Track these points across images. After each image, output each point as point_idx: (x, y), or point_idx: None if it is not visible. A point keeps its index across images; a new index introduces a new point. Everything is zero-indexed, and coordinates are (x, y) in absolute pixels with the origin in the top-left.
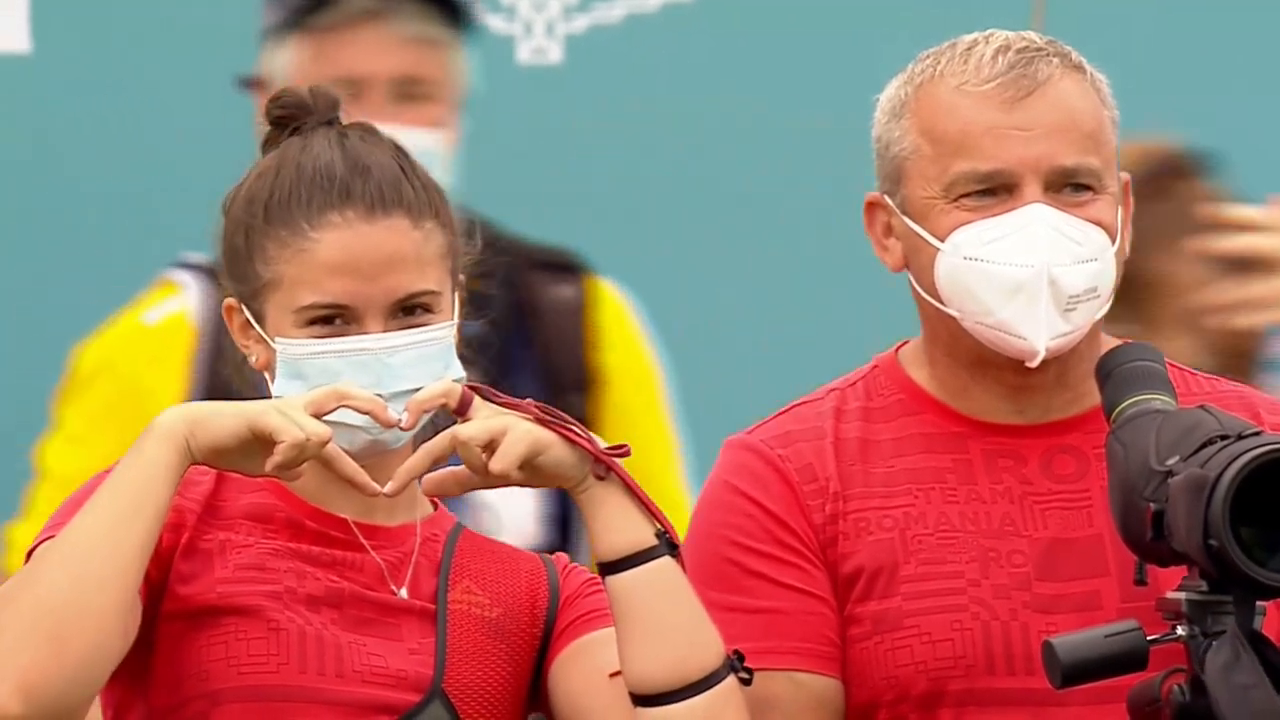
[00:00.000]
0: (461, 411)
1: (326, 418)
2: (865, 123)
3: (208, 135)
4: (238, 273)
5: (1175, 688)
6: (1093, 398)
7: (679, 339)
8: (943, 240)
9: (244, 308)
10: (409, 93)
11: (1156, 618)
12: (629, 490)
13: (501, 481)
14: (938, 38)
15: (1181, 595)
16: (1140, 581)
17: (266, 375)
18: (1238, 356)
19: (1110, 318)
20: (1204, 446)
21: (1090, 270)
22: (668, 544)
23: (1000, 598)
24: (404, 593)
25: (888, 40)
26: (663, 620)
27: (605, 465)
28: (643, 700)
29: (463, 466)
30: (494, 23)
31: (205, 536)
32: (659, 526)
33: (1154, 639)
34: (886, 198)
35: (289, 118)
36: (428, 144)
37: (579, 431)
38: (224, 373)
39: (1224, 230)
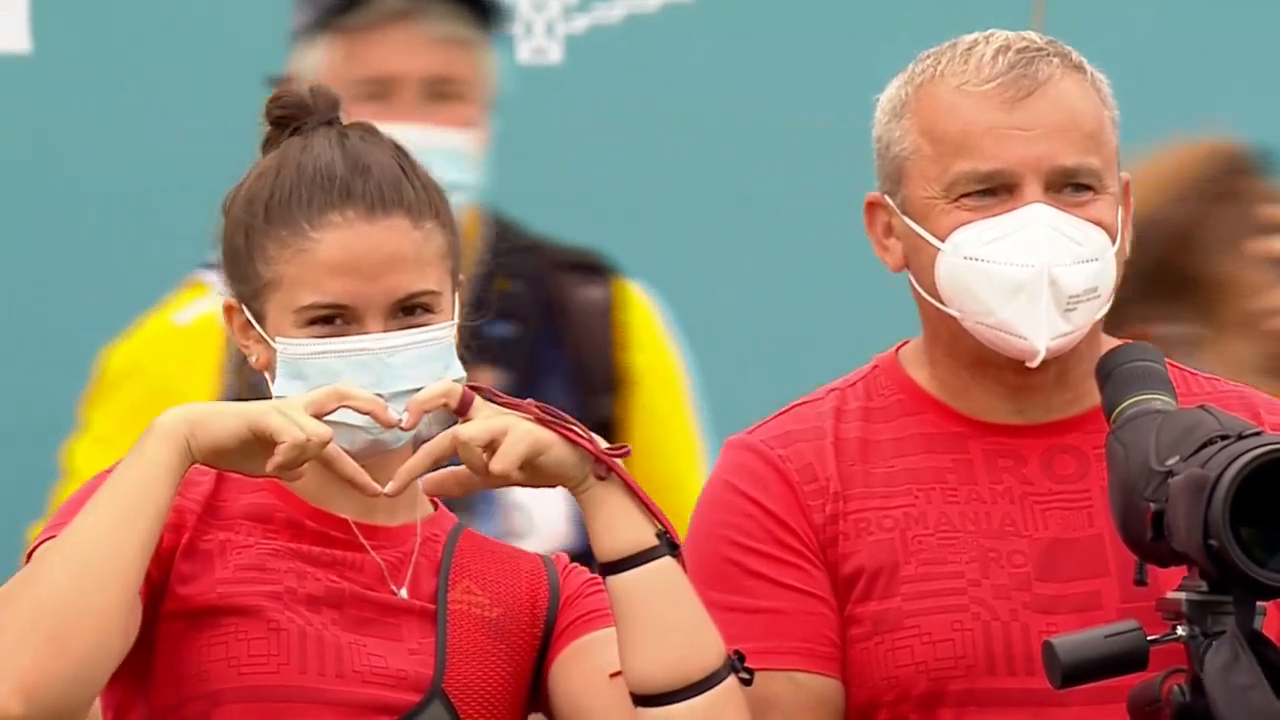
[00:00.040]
0: (462, 412)
1: (327, 418)
2: (865, 123)
3: (208, 135)
4: (238, 273)
5: (1175, 688)
6: (1093, 398)
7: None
8: (943, 240)
9: (244, 308)
10: (439, 92)
11: (1156, 618)
12: (630, 490)
13: (502, 482)
14: (938, 38)
15: (1181, 595)
16: (1140, 581)
17: (266, 375)
18: None
19: (1172, 318)
20: (1204, 446)
21: (1090, 270)
22: (668, 544)
23: (1000, 598)
24: (404, 593)
25: (888, 40)
26: (663, 620)
27: (606, 465)
28: (643, 700)
29: (463, 466)
30: None
31: (205, 537)
32: (659, 526)
33: (1154, 639)
34: (887, 198)
35: (289, 118)
36: (458, 144)
37: (579, 432)
38: (253, 374)
39: None
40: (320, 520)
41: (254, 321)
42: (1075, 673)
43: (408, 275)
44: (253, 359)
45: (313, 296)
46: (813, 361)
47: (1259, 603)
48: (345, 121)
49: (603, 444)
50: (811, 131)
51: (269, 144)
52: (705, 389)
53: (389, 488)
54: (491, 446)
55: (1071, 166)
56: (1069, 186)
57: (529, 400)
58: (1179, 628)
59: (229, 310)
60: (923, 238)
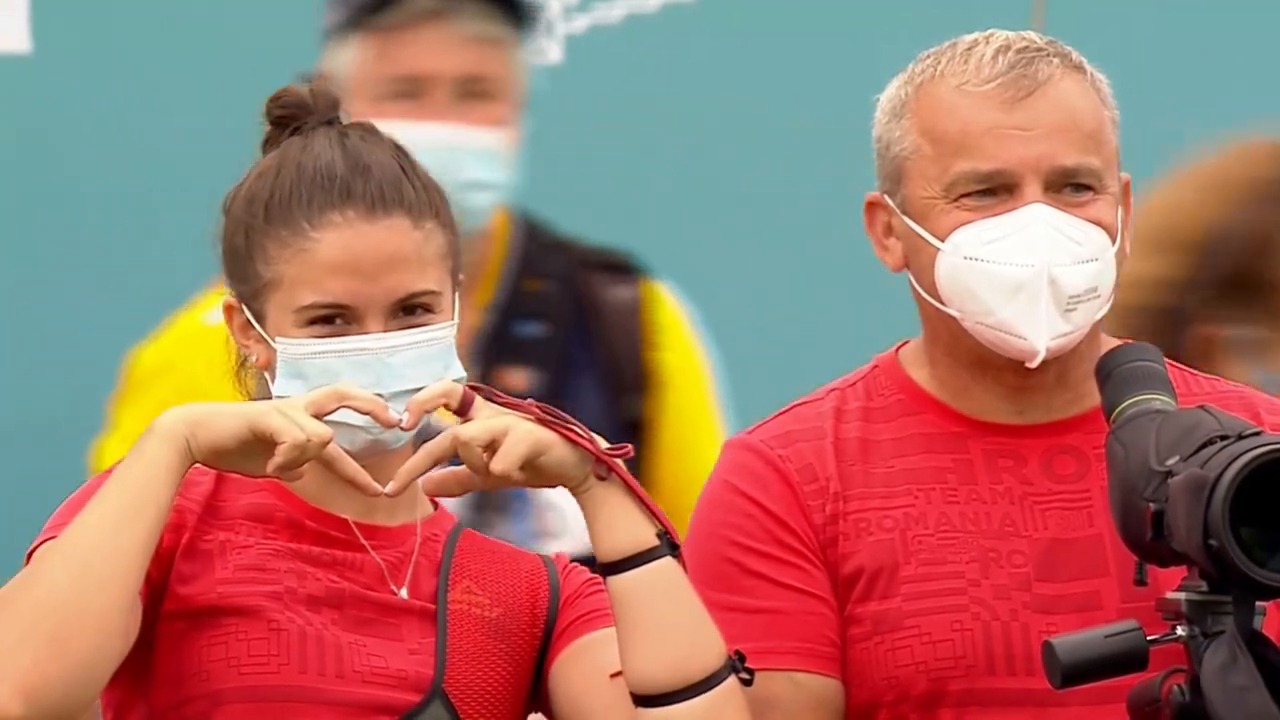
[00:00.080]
0: (462, 412)
1: (327, 418)
2: (865, 123)
3: (208, 135)
4: (238, 272)
5: (1175, 688)
6: (1093, 398)
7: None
8: (943, 240)
9: (244, 307)
10: (471, 91)
11: (1156, 618)
12: (630, 490)
13: (502, 482)
14: (938, 38)
15: (1181, 595)
16: (1140, 581)
17: (266, 375)
18: None
19: (1241, 321)
20: (1204, 446)
21: (1090, 270)
22: (669, 544)
23: (1000, 598)
24: (404, 593)
25: (888, 40)
26: (664, 620)
27: (606, 465)
28: (644, 701)
29: (464, 466)
30: None
31: (205, 537)
32: (660, 527)
33: (1154, 639)
34: (887, 198)
35: (289, 117)
36: (489, 143)
37: (580, 432)
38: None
39: None
40: (320, 520)
41: (254, 321)
42: (1075, 673)
43: (408, 275)
44: (253, 359)
45: (313, 296)
46: (813, 361)
47: (1258, 603)
48: (346, 121)
49: (603, 444)
50: (811, 131)
51: (269, 144)
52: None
53: (389, 488)
54: (492, 447)
55: (1071, 166)
56: (1069, 186)
57: (529, 400)
58: (1179, 628)
59: (229, 310)
60: (923, 238)
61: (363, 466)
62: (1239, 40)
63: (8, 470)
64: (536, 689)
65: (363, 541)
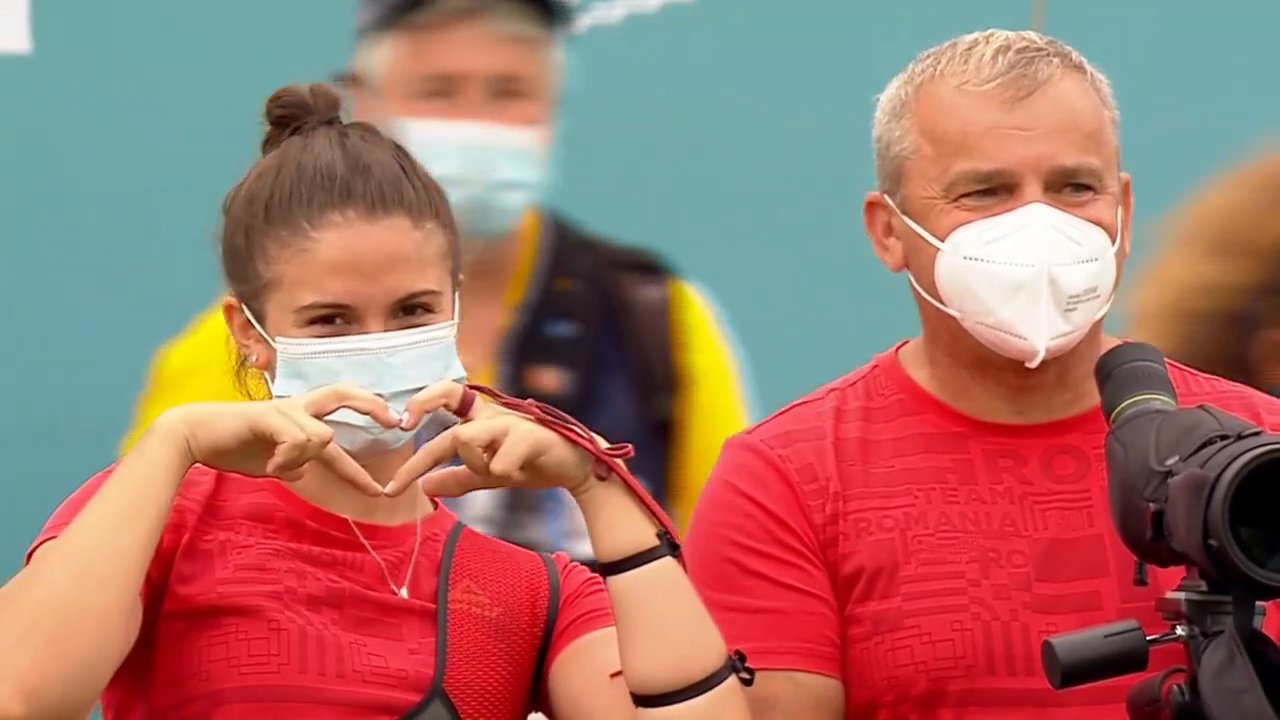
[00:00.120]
0: (463, 412)
1: (327, 418)
2: (865, 123)
3: (208, 135)
4: (238, 272)
5: (1175, 688)
6: (1093, 398)
7: None
8: (943, 240)
9: (244, 307)
10: (505, 90)
11: (1156, 618)
12: (630, 490)
13: (503, 482)
14: (938, 38)
15: (1181, 595)
16: (1140, 581)
17: (266, 375)
18: None
19: None
20: (1204, 446)
21: (1090, 270)
22: (669, 544)
23: (1000, 598)
24: (404, 592)
25: (888, 40)
26: (664, 620)
27: (606, 465)
28: (644, 701)
29: (464, 467)
30: None
31: (206, 537)
32: (660, 527)
33: (1154, 639)
34: (887, 197)
35: (289, 117)
36: (522, 142)
37: (580, 432)
38: None
39: None
40: (320, 520)
41: (254, 321)
42: (1075, 673)
43: (408, 275)
44: (253, 359)
45: (313, 296)
46: (813, 361)
47: (1258, 603)
48: (346, 121)
49: (603, 444)
50: (811, 131)
51: (269, 144)
52: None
53: (389, 488)
54: (492, 447)
55: (1071, 166)
56: (1069, 186)
57: (529, 400)
58: (1178, 627)
59: (229, 310)
60: (922, 238)
61: (363, 466)
62: (1239, 40)
63: (8, 470)
64: (536, 688)
65: (363, 541)
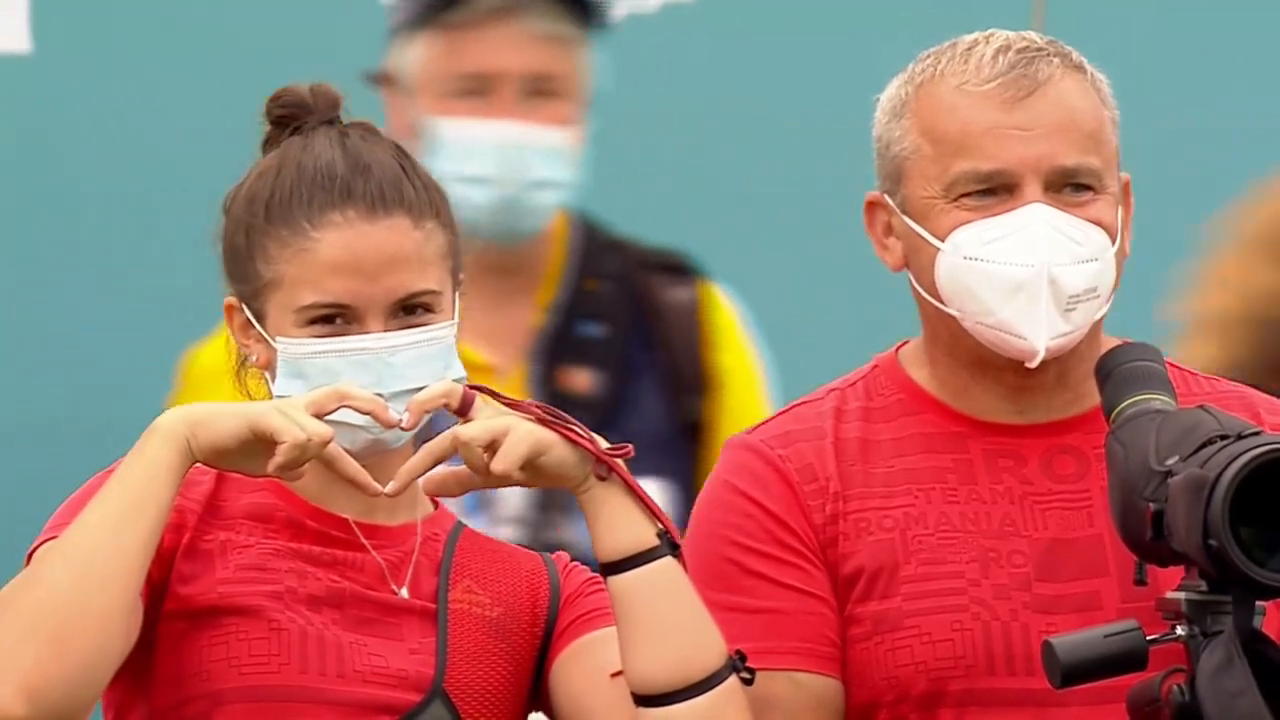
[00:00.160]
0: (463, 412)
1: (327, 418)
2: (865, 123)
3: (208, 135)
4: (238, 272)
5: (1175, 688)
6: (1093, 398)
7: None
8: (943, 240)
9: (244, 307)
10: (539, 90)
11: (1156, 618)
12: (630, 490)
13: (503, 482)
14: (938, 38)
15: (1181, 595)
16: (1140, 581)
17: (267, 375)
18: None
19: None
20: (1204, 446)
21: (1090, 270)
22: (669, 544)
23: (1000, 598)
24: (404, 592)
25: (888, 40)
26: (664, 620)
27: (607, 465)
28: (645, 700)
29: (464, 466)
30: None
31: (206, 537)
32: (660, 527)
33: (1154, 639)
34: (887, 197)
35: (289, 117)
36: (555, 142)
37: (580, 432)
38: None
39: None
40: (321, 520)
41: (254, 321)
42: (1075, 673)
43: (409, 275)
44: (253, 359)
45: (313, 296)
46: (813, 361)
47: (1258, 602)
48: (346, 120)
49: (603, 444)
50: (811, 131)
51: (269, 143)
52: None
53: (390, 487)
54: (492, 447)
55: (1071, 166)
56: (1069, 186)
57: (529, 400)
58: (1178, 627)
59: (229, 309)
60: (922, 237)
61: (363, 466)
62: (1239, 40)
63: (8, 470)
64: (537, 688)
65: (363, 541)
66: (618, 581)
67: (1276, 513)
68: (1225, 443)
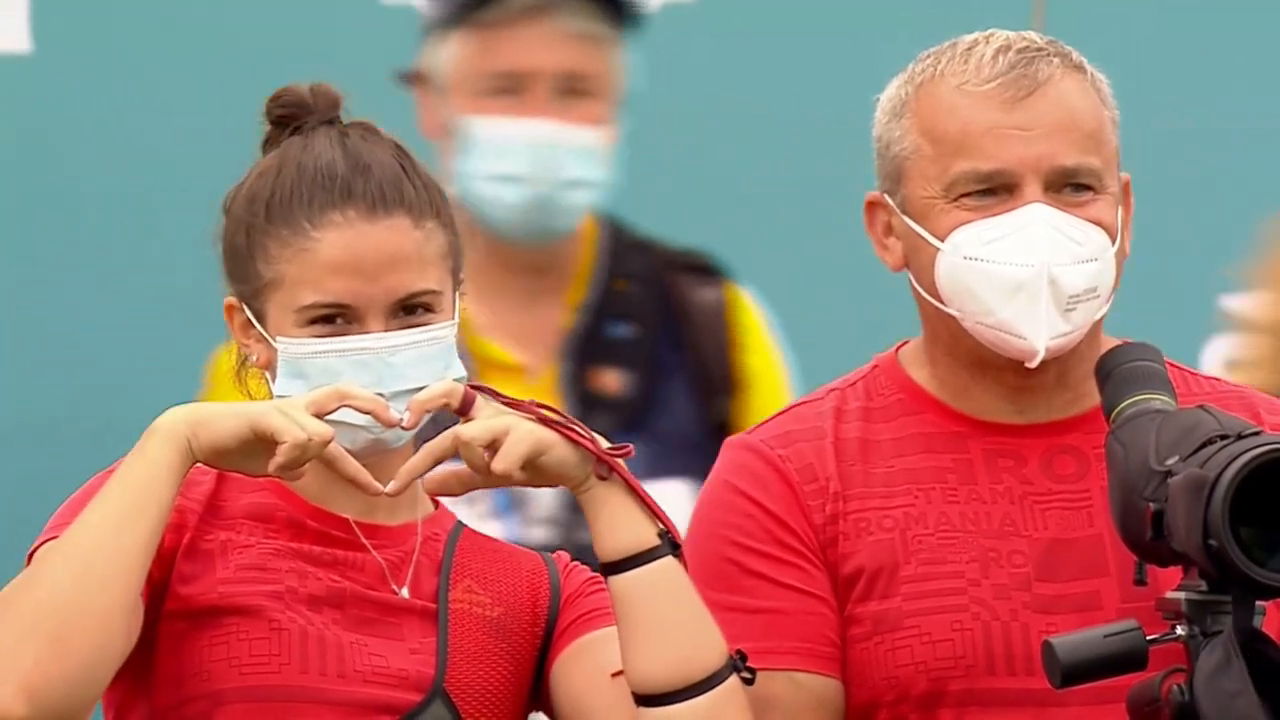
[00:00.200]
0: (464, 411)
1: (328, 417)
2: (865, 123)
3: (208, 135)
4: (239, 272)
5: (1175, 688)
6: (1093, 398)
7: None
8: (943, 240)
9: (245, 307)
10: (571, 89)
11: (1156, 618)
12: (631, 490)
13: (503, 481)
14: (938, 38)
15: (1181, 595)
16: (1140, 581)
17: (267, 375)
18: None
19: None
20: (1204, 446)
21: (1090, 270)
22: (670, 544)
23: (1000, 598)
24: (405, 592)
25: (888, 40)
26: (665, 620)
27: (607, 465)
28: (645, 700)
29: (465, 466)
30: None
31: (207, 536)
32: (661, 526)
33: (1153, 639)
34: (887, 197)
35: (289, 117)
36: (588, 141)
37: (581, 431)
38: None
39: None
40: (321, 520)
41: (254, 321)
42: (1074, 673)
43: (409, 274)
44: (253, 358)
45: (314, 296)
46: (813, 361)
47: (1258, 602)
48: (346, 120)
49: (604, 444)
50: (811, 131)
51: (269, 143)
52: None
53: (390, 487)
54: (493, 446)
55: (1071, 166)
56: (1069, 186)
57: (530, 400)
58: (1178, 627)
59: (229, 309)
60: (922, 237)
61: (364, 466)
62: (1239, 40)
63: (8, 470)
64: (538, 688)
65: (364, 541)
66: (618, 581)
67: (1276, 513)
68: (1225, 443)
